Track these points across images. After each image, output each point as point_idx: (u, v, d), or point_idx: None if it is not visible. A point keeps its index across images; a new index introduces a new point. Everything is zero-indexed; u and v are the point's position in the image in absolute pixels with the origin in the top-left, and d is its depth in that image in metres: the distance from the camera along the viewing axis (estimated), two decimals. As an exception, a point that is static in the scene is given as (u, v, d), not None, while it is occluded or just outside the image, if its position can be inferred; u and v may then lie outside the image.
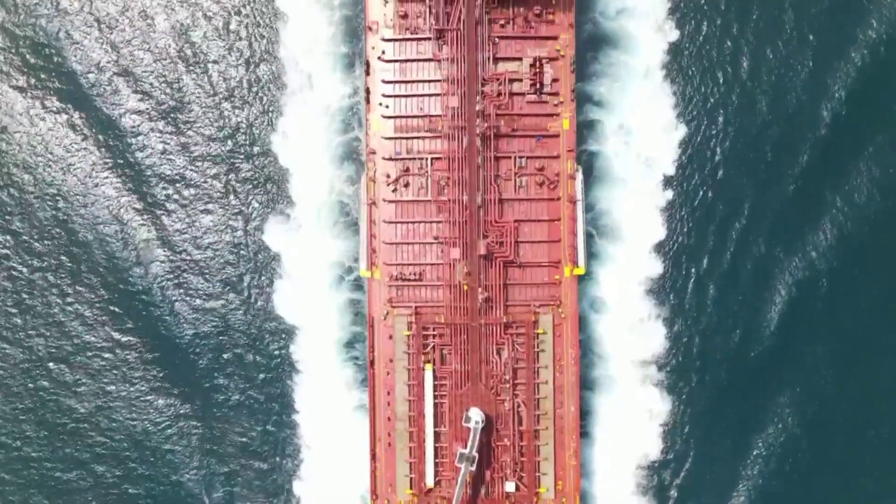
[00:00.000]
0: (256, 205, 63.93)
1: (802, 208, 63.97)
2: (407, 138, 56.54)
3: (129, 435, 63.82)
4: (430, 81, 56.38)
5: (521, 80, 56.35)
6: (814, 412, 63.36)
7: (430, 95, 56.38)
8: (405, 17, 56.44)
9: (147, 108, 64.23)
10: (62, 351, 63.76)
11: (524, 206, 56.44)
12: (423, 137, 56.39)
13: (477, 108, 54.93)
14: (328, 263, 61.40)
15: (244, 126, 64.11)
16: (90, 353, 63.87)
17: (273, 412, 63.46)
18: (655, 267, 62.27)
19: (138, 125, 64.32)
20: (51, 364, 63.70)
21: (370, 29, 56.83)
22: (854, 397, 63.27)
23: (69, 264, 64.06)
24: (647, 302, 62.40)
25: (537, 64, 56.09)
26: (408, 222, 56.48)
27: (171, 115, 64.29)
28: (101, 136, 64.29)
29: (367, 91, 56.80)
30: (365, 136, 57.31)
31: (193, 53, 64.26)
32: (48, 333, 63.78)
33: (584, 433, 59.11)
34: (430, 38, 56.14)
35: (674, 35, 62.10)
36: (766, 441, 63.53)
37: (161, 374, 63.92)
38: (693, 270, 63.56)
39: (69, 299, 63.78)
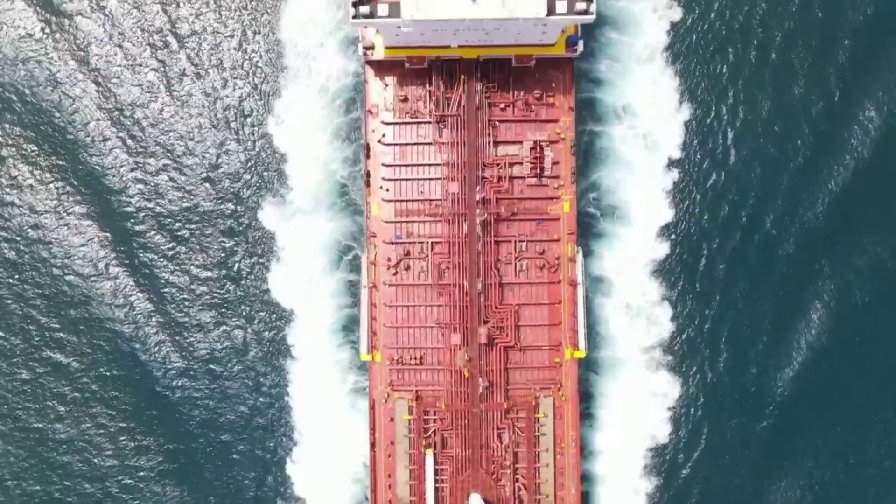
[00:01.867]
0: (253, 186, 62.99)
1: (813, 187, 63.08)
2: (407, 222, 56.57)
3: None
4: (430, 165, 56.43)
5: (521, 164, 56.40)
6: (822, 393, 62.55)
7: (430, 179, 56.43)
8: (405, 100, 56.46)
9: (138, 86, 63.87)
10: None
11: (525, 289, 56.52)
12: (424, 221, 56.44)
13: (478, 198, 54.97)
14: (325, 244, 60.69)
15: (240, 106, 63.34)
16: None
17: (268, 394, 62.72)
18: (661, 249, 61.42)
19: (131, 101, 63.95)
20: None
21: (370, 112, 56.86)
22: (860, 385, 62.27)
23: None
24: (654, 284, 61.42)
25: (538, 147, 56.12)
26: (408, 306, 56.54)
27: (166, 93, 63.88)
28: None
29: (367, 174, 56.85)
30: (365, 219, 57.33)
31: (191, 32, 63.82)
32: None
33: (588, 415, 59.22)
34: (430, 122, 56.18)
35: (677, 14, 60.94)
36: (774, 421, 62.69)
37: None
38: (702, 253, 62.60)
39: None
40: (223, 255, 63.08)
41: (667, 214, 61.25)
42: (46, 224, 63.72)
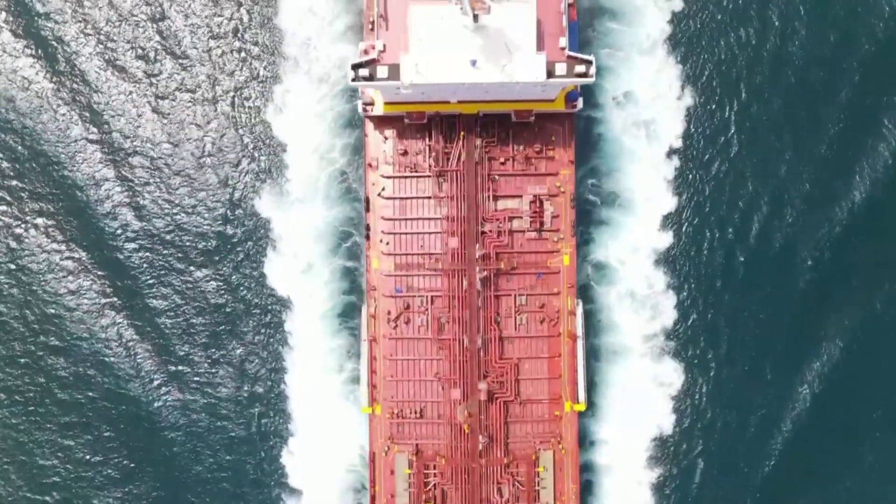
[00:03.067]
0: (250, 173, 62.93)
1: (817, 175, 62.90)
2: (407, 276, 56.62)
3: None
4: (430, 219, 56.47)
5: (521, 218, 56.42)
6: (832, 388, 62.04)
7: (430, 233, 56.48)
8: (405, 154, 56.51)
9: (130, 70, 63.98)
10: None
11: (524, 343, 56.58)
12: (424, 275, 56.49)
13: (478, 255, 55.00)
14: (324, 232, 60.60)
15: (238, 94, 63.32)
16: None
17: (265, 383, 62.65)
18: (665, 237, 61.18)
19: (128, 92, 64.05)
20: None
21: (370, 166, 56.91)
22: (868, 371, 61.98)
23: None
24: (657, 272, 61.13)
25: (537, 202, 56.16)
26: (409, 359, 56.63)
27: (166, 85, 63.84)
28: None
29: (367, 227, 56.91)
30: (366, 272, 57.40)
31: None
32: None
33: (591, 403, 58.73)
34: (430, 176, 56.22)
35: (678, 4, 60.87)
36: (781, 412, 62.24)
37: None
38: (707, 241, 62.13)
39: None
40: (219, 241, 63.02)
41: (670, 202, 61.02)
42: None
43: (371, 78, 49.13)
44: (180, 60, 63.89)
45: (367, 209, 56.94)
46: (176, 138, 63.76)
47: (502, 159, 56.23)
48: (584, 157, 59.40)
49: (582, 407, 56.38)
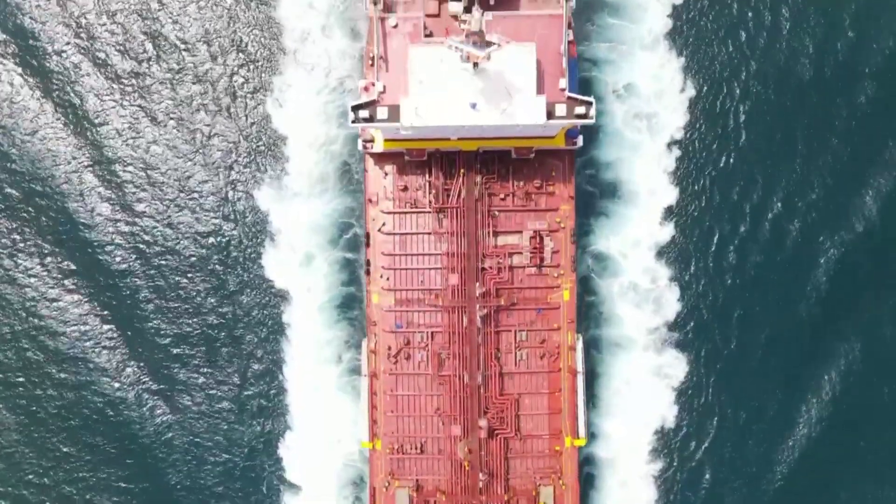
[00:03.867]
0: (250, 165, 62.98)
1: (824, 168, 62.71)
2: (407, 311, 56.63)
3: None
4: (430, 255, 56.47)
5: (521, 254, 56.41)
6: (840, 380, 62.02)
7: (430, 269, 56.48)
8: (405, 189, 56.51)
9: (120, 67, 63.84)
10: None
11: (525, 378, 56.58)
12: (424, 311, 56.49)
13: (478, 293, 55.01)
14: (324, 223, 60.66)
15: (237, 87, 63.31)
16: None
17: (262, 377, 62.61)
18: (667, 230, 61.04)
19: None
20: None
21: (370, 201, 56.92)
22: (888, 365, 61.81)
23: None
24: (660, 264, 61.10)
25: (538, 237, 56.15)
26: (409, 395, 56.64)
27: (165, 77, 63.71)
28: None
29: (368, 263, 56.91)
30: (366, 308, 57.41)
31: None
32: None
33: (591, 395, 58.98)
34: (429, 212, 56.24)
35: None
36: (787, 402, 62.24)
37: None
38: (713, 233, 61.89)
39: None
40: (217, 232, 63.03)
41: (672, 195, 60.94)
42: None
43: (371, 119, 49.16)
44: (180, 52, 63.46)
45: (367, 244, 56.93)
46: (173, 132, 63.38)
47: (502, 195, 56.22)
48: (582, 148, 57.95)
49: (582, 442, 56.38)
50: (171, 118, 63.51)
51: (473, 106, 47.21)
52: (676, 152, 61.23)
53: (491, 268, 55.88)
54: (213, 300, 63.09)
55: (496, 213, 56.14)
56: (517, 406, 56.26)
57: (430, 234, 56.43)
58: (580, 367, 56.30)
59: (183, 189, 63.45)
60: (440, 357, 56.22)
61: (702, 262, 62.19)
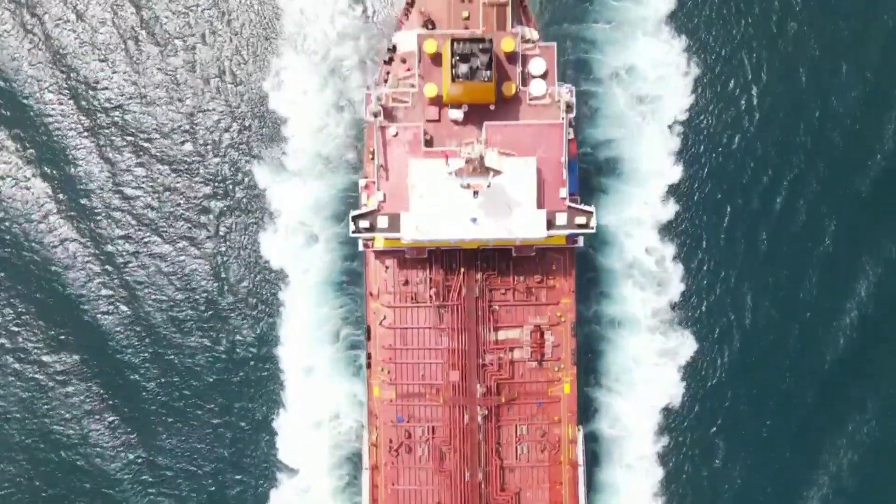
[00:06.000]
0: (249, 144, 63.00)
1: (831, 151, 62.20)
2: (409, 405, 56.76)
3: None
4: (431, 350, 56.52)
5: (521, 348, 56.48)
6: (844, 365, 61.79)
7: (431, 363, 56.55)
8: (406, 283, 56.52)
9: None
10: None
11: (525, 472, 56.72)
12: (425, 405, 56.60)
13: (478, 394, 55.13)
14: (323, 201, 60.69)
15: (235, 68, 63.32)
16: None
17: (258, 355, 62.64)
18: (671, 208, 60.82)
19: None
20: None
21: (371, 294, 56.95)
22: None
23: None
24: (663, 242, 60.90)
25: (538, 332, 56.20)
26: (410, 488, 56.78)
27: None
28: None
29: (369, 356, 57.00)
30: (367, 400, 57.54)
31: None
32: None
33: (594, 371, 59.37)
34: (430, 306, 56.28)
35: None
36: (790, 383, 61.87)
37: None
38: (717, 211, 61.51)
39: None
40: (214, 213, 63.17)
41: (674, 174, 60.64)
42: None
43: (372, 229, 49.24)
44: (179, 37, 63.47)
45: (368, 338, 57.02)
46: (162, 102, 63.35)
47: (503, 290, 56.23)
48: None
49: (583, 534, 56.67)
50: (165, 90, 63.41)
51: (474, 220, 47.28)
52: (679, 130, 60.41)
53: (491, 363, 55.96)
54: (205, 282, 62.93)
55: (496, 307, 56.18)
56: (518, 501, 56.41)
57: (430, 328, 56.47)
58: (580, 459, 56.49)
59: (175, 168, 63.14)
60: (441, 451, 56.37)
61: (710, 240, 61.45)
